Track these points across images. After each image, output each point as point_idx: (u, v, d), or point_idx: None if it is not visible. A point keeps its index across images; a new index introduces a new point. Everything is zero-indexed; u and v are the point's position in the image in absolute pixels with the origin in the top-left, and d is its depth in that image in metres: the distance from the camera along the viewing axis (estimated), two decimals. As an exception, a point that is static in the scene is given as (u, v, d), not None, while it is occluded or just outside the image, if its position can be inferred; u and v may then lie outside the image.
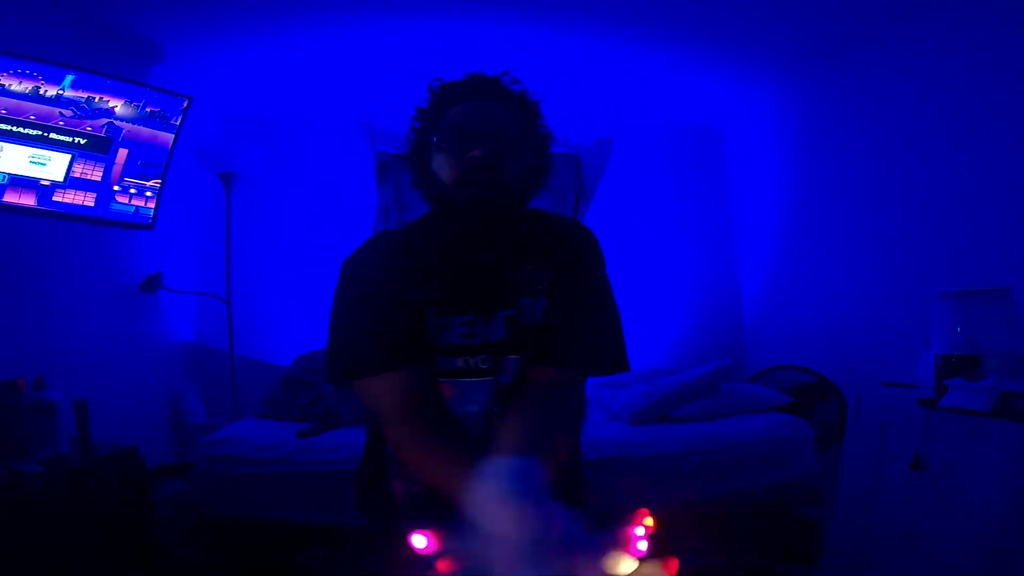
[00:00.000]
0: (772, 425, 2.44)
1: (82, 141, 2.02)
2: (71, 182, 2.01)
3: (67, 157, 1.97)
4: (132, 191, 2.21)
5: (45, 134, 1.92)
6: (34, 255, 2.10)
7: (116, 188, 2.16)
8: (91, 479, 1.72)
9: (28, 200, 1.91)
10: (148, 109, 2.19)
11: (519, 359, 0.91)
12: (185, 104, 2.30)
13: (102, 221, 2.15)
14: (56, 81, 1.92)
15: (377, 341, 0.85)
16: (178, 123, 2.29)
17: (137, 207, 2.25)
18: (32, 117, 1.87)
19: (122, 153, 2.15)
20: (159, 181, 2.28)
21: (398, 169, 3.26)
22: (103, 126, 2.07)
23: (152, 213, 2.30)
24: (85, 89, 1.99)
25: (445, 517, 0.81)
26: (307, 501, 2.13)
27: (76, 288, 2.29)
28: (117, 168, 2.15)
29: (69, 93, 1.95)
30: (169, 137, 2.28)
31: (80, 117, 1.99)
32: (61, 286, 2.20)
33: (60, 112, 1.94)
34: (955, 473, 1.59)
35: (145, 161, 2.23)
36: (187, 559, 2.08)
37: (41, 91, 1.89)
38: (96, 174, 2.08)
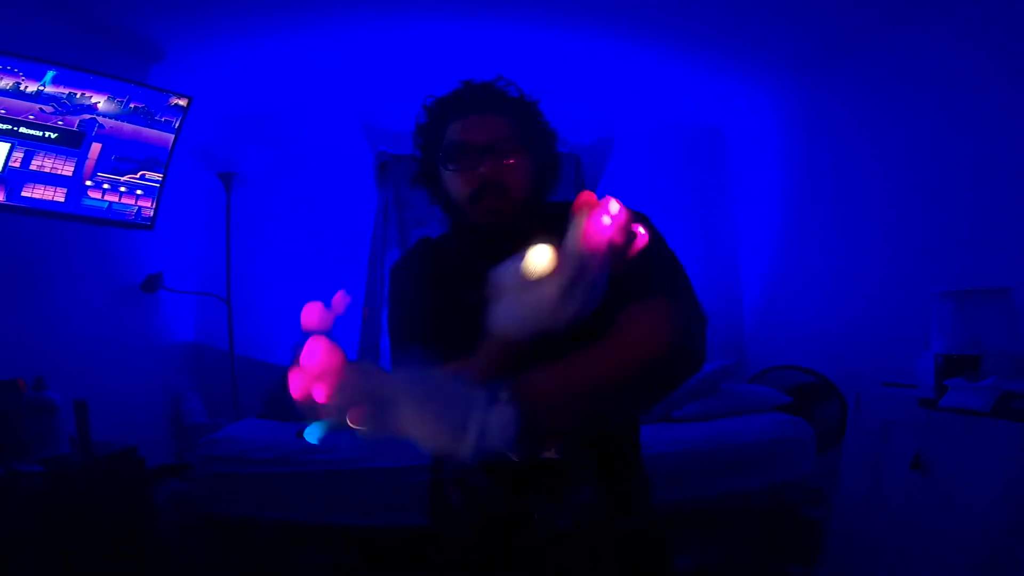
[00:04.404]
0: (772, 425, 2.44)
1: (52, 135, 1.98)
2: (36, 176, 1.96)
3: (6, 146, 1.90)
4: (106, 186, 2.16)
5: (15, 128, 1.89)
6: (34, 255, 2.10)
7: (89, 183, 2.11)
8: (91, 479, 1.72)
9: None
10: (132, 105, 2.16)
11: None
12: (182, 103, 2.29)
13: (74, 217, 2.10)
14: (37, 77, 1.90)
15: (439, 340, 0.83)
16: (169, 120, 2.27)
17: (111, 203, 2.19)
18: (2, 112, 1.86)
19: (95, 148, 2.10)
20: (135, 176, 2.24)
21: (398, 169, 3.26)
22: (83, 121, 2.04)
23: (132, 210, 2.26)
24: (67, 85, 1.97)
25: (499, 521, 0.87)
26: (307, 501, 2.13)
27: (76, 288, 2.28)
28: (90, 163, 2.10)
29: (50, 89, 1.94)
30: (157, 134, 2.26)
31: (61, 113, 1.97)
32: (61, 286, 2.20)
33: (40, 108, 1.92)
34: (955, 473, 1.59)
35: (120, 156, 2.18)
36: (187, 559, 2.08)
37: (22, 87, 1.88)
38: (66, 169, 2.04)
